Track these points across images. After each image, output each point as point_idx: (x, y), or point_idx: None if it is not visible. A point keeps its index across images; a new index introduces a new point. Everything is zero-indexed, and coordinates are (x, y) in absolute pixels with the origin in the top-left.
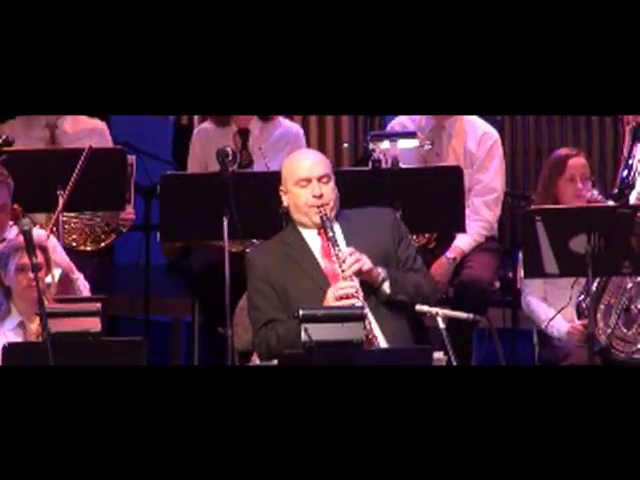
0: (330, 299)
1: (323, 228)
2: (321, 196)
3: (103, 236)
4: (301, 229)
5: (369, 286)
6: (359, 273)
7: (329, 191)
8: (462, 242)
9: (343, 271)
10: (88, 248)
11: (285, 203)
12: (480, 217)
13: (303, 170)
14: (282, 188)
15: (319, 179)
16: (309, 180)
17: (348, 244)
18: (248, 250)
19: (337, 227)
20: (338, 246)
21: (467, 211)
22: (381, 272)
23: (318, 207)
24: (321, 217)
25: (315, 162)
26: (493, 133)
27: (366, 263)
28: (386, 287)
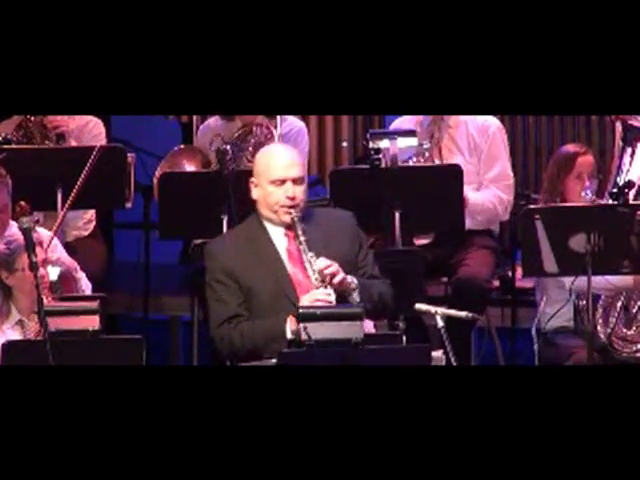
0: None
1: (294, 230)
2: (294, 198)
3: None
4: (267, 225)
5: (338, 293)
6: (332, 281)
7: (302, 193)
8: (472, 194)
9: (317, 279)
10: None
11: (254, 196)
12: (496, 192)
13: (279, 170)
14: (253, 180)
15: (294, 181)
16: (284, 181)
17: (310, 247)
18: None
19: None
20: (311, 253)
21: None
22: (353, 281)
23: (289, 207)
24: (292, 219)
25: (292, 162)
26: (493, 121)
27: (341, 273)
28: (356, 295)
